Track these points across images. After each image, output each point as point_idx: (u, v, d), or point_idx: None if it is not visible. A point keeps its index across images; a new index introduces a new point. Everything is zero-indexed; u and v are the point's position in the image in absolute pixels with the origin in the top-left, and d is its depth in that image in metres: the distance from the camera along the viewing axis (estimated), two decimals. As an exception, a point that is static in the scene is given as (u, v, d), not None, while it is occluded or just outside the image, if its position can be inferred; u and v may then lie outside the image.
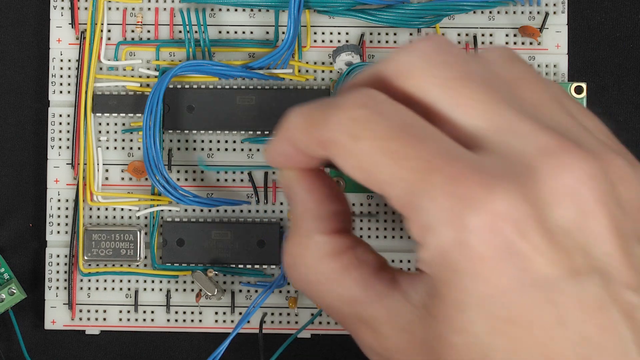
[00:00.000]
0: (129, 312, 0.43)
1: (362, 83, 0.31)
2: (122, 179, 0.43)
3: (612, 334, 0.27)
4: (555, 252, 0.27)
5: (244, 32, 0.44)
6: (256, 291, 0.43)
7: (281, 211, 0.43)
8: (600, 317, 0.27)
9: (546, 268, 0.27)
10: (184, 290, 0.43)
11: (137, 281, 0.43)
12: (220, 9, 0.44)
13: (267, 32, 0.44)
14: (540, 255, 0.27)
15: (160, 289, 0.43)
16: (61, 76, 0.43)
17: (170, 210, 0.43)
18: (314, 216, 0.32)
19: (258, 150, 0.43)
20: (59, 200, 0.43)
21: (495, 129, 0.28)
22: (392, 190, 0.28)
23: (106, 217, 0.43)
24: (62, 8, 0.43)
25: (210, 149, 0.43)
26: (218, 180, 0.43)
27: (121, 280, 0.43)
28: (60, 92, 0.43)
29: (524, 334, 0.27)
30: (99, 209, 0.43)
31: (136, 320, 0.43)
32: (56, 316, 0.43)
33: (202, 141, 0.43)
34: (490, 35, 0.44)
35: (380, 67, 0.30)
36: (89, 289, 0.43)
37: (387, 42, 0.44)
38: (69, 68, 0.43)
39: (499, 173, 0.27)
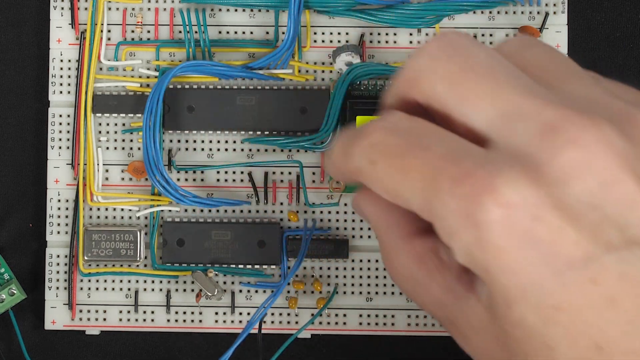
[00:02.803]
0: (129, 312, 0.43)
1: (387, 102, 0.31)
2: (122, 179, 0.43)
3: None
4: (582, 231, 0.26)
5: (244, 32, 0.44)
6: (256, 291, 0.43)
7: (281, 211, 0.43)
8: None
9: (576, 249, 0.26)
10: (184, 290, 0.43)
11: (137, 281, 0.43)
12: (220, 9, 0.44)
13: (267, 32, 0.44)
14: (566, 237, 0.26)
15: (160, 289, 0.43)
16: (61, 76, 0.43)
17: (170, 211, 0.43)
18: (389, 224, 0.32)
19: (258, 150, 0.43)
20: (59, 201, 0.43)
21: (501, 115, 0.27)
22: (414, 204, 0.28)
23: (106, 217, 0.43)
24: (62, 8, 0.43)
25: (210, 149, 0.43)
26: (218, 180, 0.43)
27: (121, 281, 0.43)
28: (60, 92, 0.43)
29: (576, 319, 0.26)
30: (99, 209, 0.43)
31: (136, 320, 0.43)
32: (56, 316, 0.43)
33: (202, 141, 0.43)
34: (490, 35, 0.44)
35: (396, 79, 0.30)
36: (89, 289, 0.43)
37: (387, 42, 0.44)
38: (69, 68, 0.43)
39: (503, 163, 0.26)
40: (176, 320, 0.43)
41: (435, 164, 0.27)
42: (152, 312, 0.43)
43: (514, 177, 0.26)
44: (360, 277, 0.43)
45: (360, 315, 0.43)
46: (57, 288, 0.43)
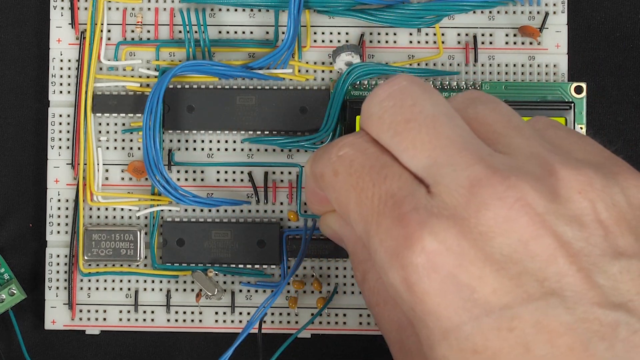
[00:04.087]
0: (129, 312, 0.43)
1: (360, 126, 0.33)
2: (122, 179, 0.43)
3: (587, 356, 0.27)
4: (503, 280, 0.27)
5: (244, 32, 0.44)
6: (256, 291, 0.43)
7: (281, 211, 0.43)
8: (569, 339, 0.27)
9: (496, 297, 0.27)
10: (184, 290, 0.43)
11: (137, 281, 0.43)
12: (220, 9, 0.44)
13: (267, 32, 0.44)
14: (487, 285, 0.27)
15: (160, 289, 0.43)
16: (61, 76, 0.43)
17: (170, 210, 0.43)
18: (364, 243, 0.33)
19: (258, 150, 0.43)
20: (59, 200, 0.43)
21: (434, 166, 0.29)
22: (356, 226, 0.31)
23: (106, 217, 0.43)
24: (62, 8, 0.44)
25: (210, 149, 0.43)
26: (218, 180, 0.43)
27: (121, 280, 0.43)
28: (60, 92, 0.43)
29: None
30: (99, 209, 0.43)
31: (136, 320, 0.43)
32: (56, 316, 0.43)
33: (202, 141, 0.43)
34: (490, 35, 0.44)
35: (360, 116, 0.32)
36: (89, 289, 0.43)
37: (387, 42, 0.44)
38: (69, 68, 0.43)
39: (436, 212, 0.28)
40: (176, 320, 0.43)
41: (384, 198, 0.30)
42: (152, 312, 0.43)
43: (441, 226, 0.28)
44: (360, 277, 0.43)
45: (360, 315, 0.43)
46: (57, 288, 0.43)
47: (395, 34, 0.44)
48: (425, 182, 0.30)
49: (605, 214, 0.28)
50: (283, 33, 0.44)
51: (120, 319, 0.43)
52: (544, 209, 0.28)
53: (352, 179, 0.31)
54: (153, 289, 0.43)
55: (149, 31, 0.44)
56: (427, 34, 0.44)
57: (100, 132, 0.43)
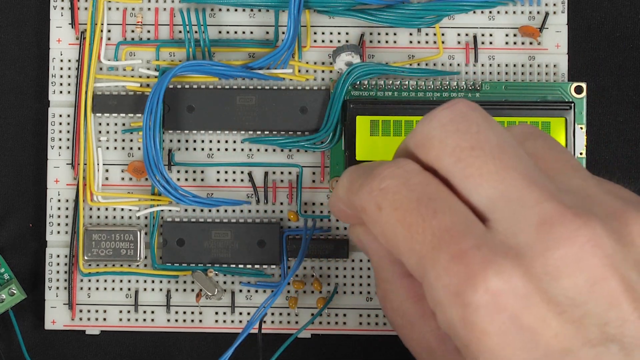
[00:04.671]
0: (129, 312, 0.43)
1: (402, 151, 0.31)
2: (122, 179, 0.43)
3: None
4: (564, 324, 0.27)
5: (244, 32, 0.44)
6: (256, 291, 0.43)
7: (281, 211, 0.43)
8: None
9: (558, 341, 0.27)
10: (184, 290, 0.43)
11: (137, 281, 0.43)
12: (220, 9, 0.44)
13: (267, 32, 0.44)
14: (548, 328, 0.27)
15: (160, 289, 0.43)
16: (61, 76, 0.43)
17: (170, 210, 0.43)
18: (392, 261, 0.33)
19: (258, 150, 0.43)
20: (59, 200, 0.43)
21: (501, 198, 0.28)
22: (407, 260, 0.29)
23: (106, 217, 0.43)
24: (62, 8, 0.43)
25: (210, 149, 0.43)
26: (218, 180, 0.43)
27: (121, 280, 0.43)
28: (60, 92, 0.43)
29: None
30: (99, 209, 0.43)
31: (136, 320, 0.43)
32: (56, 316, 0.43)
33: (202, 141, 0.43)
34: (490, 35, 0.44)
35: (408, 138, 0.31)
36: (89, 289, 0.43)
37: (387, 42, 0.44)
38: (69, 68, 0.43)
39: (498, 249, 0.28)
40: (176, 320, 0.43)
41: (437, 233, 0.28)
42: (152, 312, 0.43)
43: (507, 265, 0.27)
44: (360, 277, 0.43)
45: (360, 315, 0.43)
46: (57, 288, 0.43)
47: (395, 34, 0.44)
48: (483, 215, 0.29)
49: None
50: (283, 33, 0.44)
51: (120, 319, 0.43)
52: (613, 251, 0.27)
53: (398, 214, 0.30)
54: (153, 289, 0.43)
55: (149, 31, 0.44)
56: (427, 34, 0.44)
57: (100, 132, 0.43)
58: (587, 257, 0.27)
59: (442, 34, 0.43)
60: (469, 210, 0.29)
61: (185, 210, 0.43)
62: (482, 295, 0.27)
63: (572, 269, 0.27)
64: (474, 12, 0.44)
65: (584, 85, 0.43)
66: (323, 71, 0.43)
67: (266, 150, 0.43)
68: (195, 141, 0.43)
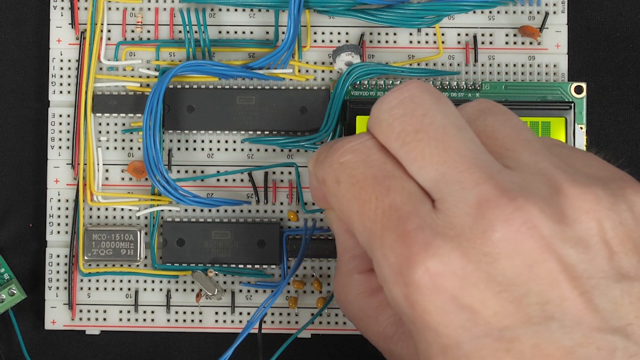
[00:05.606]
0: (129, 312, 0.43)
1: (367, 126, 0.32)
2: (122, 179, 0.43)
3: None
4: (504, 303, 0.28)
5: (244, 32, 0.44)
6: (256, 291, 0.43)
7: (281, 211, 0.43)
8: None
9: (497, 319, 0.28)
10: (184, 290, 0.43)
11: (137, 281, 0.43)
12: (220, 9, 0.44)
13: (267, 32, 0.44)
14: (487, 307, 0.28)
15: (161, 289, 0.43)
16: (61, 76, 0.43)
17: (170, 210, 0.43)
18: (352, 255, 0.34)
19: (258, 150, 0.43)
20: (59, 200, 0.43)
21: (443, 180, 0.29)
22: (359, 235, 0.31)
23: (106, 217, 0.43)
24: (62, 8, 0.43)
25: (210, 149, 0.43)
26: (218, 180, 0.43)
27: (121, 280, 0.43)
28: (60, 92, 0.43)
29: None
30: (99, 209, 0.43)
31: (136, 320, 0.43)
32: (56, 316, 0.43)
33: (202, 141, 0.43)
34: (490, 35, 0.44)
35: (369, 120, 0.32)
36: (89, 289, 0.43)
37: (387, 42, 0.44)
38: (69, 68, 0.43)
39: (441, 231, 0.28)
40: (176, 320, 0.43)
41: (387, 212, 0.29)
42: (152, 312, 0.43)
43: (446, 247, 0.28)
44: (360, 277, 0.43)
45: (360, 315, 0.43)
46: (57, 288, 0.43)
47: (395, 34, 0.44)
48: (431, 196, 0.30)
49: (611, 233, 0.28)
50: (283, 33, 0.44)
51: (120, 319, 0.43)
52: (550, 231, 0.28)
53: (355, 189, 0.31)
54: (153, 289, 0.43)
55: (149, 31, 0.44)
56: (427, 34, 0.44)
57: (100, 132, 0.43)
58: (523, 240, 0.28)
59: (442, 34, 0.43)
60: (420, 190, 0.30)
61: (185, 210, 0.43)
62: (422, 276, 0.28)
63: (509, 251, 0.28)
64: (474, 12, 0.44)
65: (584, 85, 0.43)
66: (323, 71, 0.43)
67: (266, 150, 0.43)
68: (195, 141, 0.43)
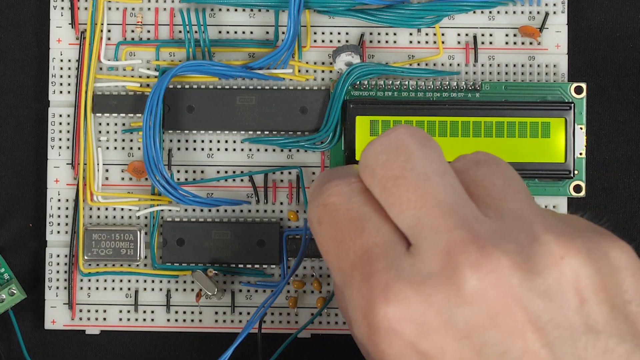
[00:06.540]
0: (129, 312, 0.43)
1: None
2: (122, 179, 0.43)
3: None
4: (464, 351, 0.28)
5: (244, 32, 0.44)
6: (256, 291, 0.43)
7: (281, 211, 0.43)
8: None
9: None
10: (184, 290, 0.43)
11: (137, 281, 0.43)
12: (220, 9, 0.44)
13: (267, 32, 0.44)
14: (447, 354, 0.28)
15: (160, 289, 0.43)
16: (61, 76, 0.43)
17: (170, 210, 0.43)
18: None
19: (258, 150, 0.43)
20: (59, 200, 0.43)
21: (420, 225, 0.29)
22: (334, 276, 0.31)
23: (106, 217, 0.43)
24: (62, 8, 0.44)
25: (210, 149, 0.43)
26: (218, 180, 0.43)
27: (121, 280, 0.43)
28: (60, 92, 0.43)
29: None
30: (99, 209, 0.43)
31: (136, 320, 0.43)
32: (56, 316, 0.43)
33: (202, 141, 0.43)
34: (490, 35, 0.44)
35: (360, 159, 0.32)
36: (89, 288, 0.43)
37: (387, 42, 0.44)
38: (69, 68, 0.43)
39: (407, 275, 0.28)
40: (176, 320, 0.43)
41: (359, 253, 0.30)
42: (152, 312, 0.43)
43: (408, 292, 0.28)
44: (360, 277, 0.43)
45: (360, 315, 0.43)
46: (57, 288, 0.43)
47: (395, 34, 0.44)
48: (409, 241, 0.30)
49: (586, 280, 0.28)
50: (283, 33, 0.44)
51: (120, 319, 0.43)
52: (518, 281, 0.28)
53: (333, 231, 0.31)
54: (153, 289, 0.43)
55: (149, 31, 0.44)
56: (427, 34, 0.44)
57: (100, 132, 0.43)
58: (488, 289, 0.27)
59: (442, 34, 0.43)
60: (397, 234, 0.30)
61: (185, 210, 0.43)
62: (381, 319, 0.28)
63: (474, 299, 0.28)
64: (474, 12, 0.44)
65: (584, 85, 0.43)
66: (323, 71, 0.44)
67: (266, 150, 0.43)
68: (195, 141, 0.43)
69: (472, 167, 0.32)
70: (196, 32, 0.43)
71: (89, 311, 0.43)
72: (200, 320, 0.43)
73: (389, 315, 0.28)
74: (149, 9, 0.44)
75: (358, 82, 0.42)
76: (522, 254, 0.28)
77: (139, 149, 0.43)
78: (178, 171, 0.43)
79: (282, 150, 0.43)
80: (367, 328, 0.29)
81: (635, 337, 0.28)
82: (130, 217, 0.43)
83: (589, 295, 0.28)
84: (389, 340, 0.28)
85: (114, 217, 0.43)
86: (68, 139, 0.43)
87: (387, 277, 0.29)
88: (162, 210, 0.43)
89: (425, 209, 0.29)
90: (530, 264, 0.28)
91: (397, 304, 0.28)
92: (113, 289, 0.43)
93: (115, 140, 0.43)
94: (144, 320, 0.43)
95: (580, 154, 0.42)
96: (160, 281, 0.43)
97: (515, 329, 0.27)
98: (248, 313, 0.43)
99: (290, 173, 0.43)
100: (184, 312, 0.43)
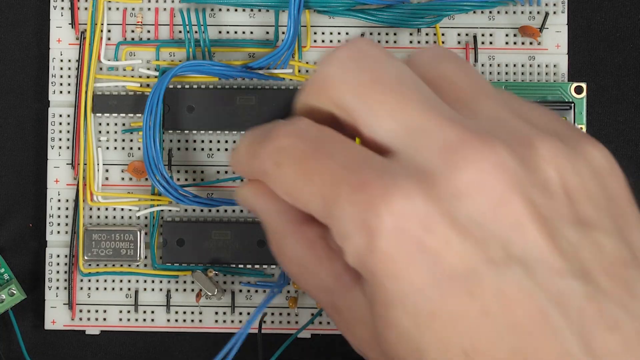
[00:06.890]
0: (129, 312, 0.43)
1: (297, 109, 0.32)
2: (122, 179, 0.43)
3: (543, 322, 0.27)
4: (467, 245, 0.27)
5: (244, 32, 0.44)
6: (256, 291, 0.43)
7: (281, 211, 0.43)
8: (527, 306, 0.27)
9: (460, 261, 0.27)
10: (184, 290, 0.43)
11: (137, 281, 0.43)
12: (220, 9, 0.44)
13: (267, 32, 0.44)
14: (451, 249, 0.27)
15: (160, 289, 0.43)
16: (61, 76, 0.43)
17: (170, 210, 0.43)
18: (278, 211, 0.33)
19: (258, 150, 0.43)
20: (59, 200, 0.43)
21: (404, 129, 0.28)
22: (312, 207, 0.29)
23: (106, 217, 0.43)
24: (62, 8, 0.44)
25: (210, 149, 0.43)
26: (218, 180, 0.43)
27: (121, 280, 0.43)
28: (60, 92, 0.43)
29: (449, 326, 0.27)
30: (99, 209, 0.43)
31: (136, 320, 0.43)
32: (56, 316, 0.43)
33: (202, 141, 0.43)
34: (490, 35, 0.44)
35: (306, 85, 0.31)
36: (89, 289, 0.43)
37: (387, 42, 0.44)
38: (69, 68, 0.43)
39: (400, 175, 0.28)
40: (176, 320, 0.43)
41: (336, 171, 0.28)
42: (152, 312, 0.43)
43: (409, 189, 0.27)
44: (360, 277, 0.43)
45: (360, 315, 0.43)
46: (57, 288, 0.43)
47: (395, 34, 0.44)
48: (387, 149, 0.29)
49: (571, 182, 0.28)
50: (283, 33, 0.44)
51: (120, 319, 0.43)
52: (516, 173, 0.27)
53: (297, 167, 0.30)
54: (153, 289, 0.43)
55: (149, 31, 0.44)
56: (427, 34, 0.44)
57: (100, 132, 0.43)
58: (490, 180, 0.27)
59: (442, 34, 0.43)
60: (367, 149, 0.29)
61: (185, 210, 0.43)
62: (385, 220, 0.27)
63: (475, 192, 0.27)
64: (474, 12, 0.44)
65: (584, 85, 0.43)
66: (323, 71, 0.43)
67: (266, 150, 0.43)
68: (195, 141, 0.43)
69: (433, 62, 0.31)
70: (196, 32, 0.43)
71: (89, 311, 0.43)
72: (200, 321, 0.43)
73: (395, 212, 0.27)
74: (149, 9, 0.44)
75: (358, 82, 0.42)
76: (516, 149, 0.28)
77: (139, 149, 0.43)
78: (178, 171, 0.43)
79: (282, 150, 0.43)
80: (367, 236, 0.27)
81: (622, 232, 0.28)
82: (130, 217, 0.43)
83: (574, 196, 0.28)
84: (395, 239, 0.27)
85: (114, 217, 0.43)
86: (68, 139, 0.43)
87: (383, 179, 0.27)
88: (162, 210, 0.43)
89: (408, 111, 0.28)
90: (524, 160, 0.28)
91: (402, 199, 0.27)
92: (113, 289, 0.43)
93: (115, 140, 0.43)
94: (144, 320, 0.43)
95: (580, 154, 0.42)
96: (160, 281, 0.43)
97: (518, 218, 0.27)
98: (248, 313, 0.43)
99: (290, 173, 0.43)
100: (184, 313, 0.43)
